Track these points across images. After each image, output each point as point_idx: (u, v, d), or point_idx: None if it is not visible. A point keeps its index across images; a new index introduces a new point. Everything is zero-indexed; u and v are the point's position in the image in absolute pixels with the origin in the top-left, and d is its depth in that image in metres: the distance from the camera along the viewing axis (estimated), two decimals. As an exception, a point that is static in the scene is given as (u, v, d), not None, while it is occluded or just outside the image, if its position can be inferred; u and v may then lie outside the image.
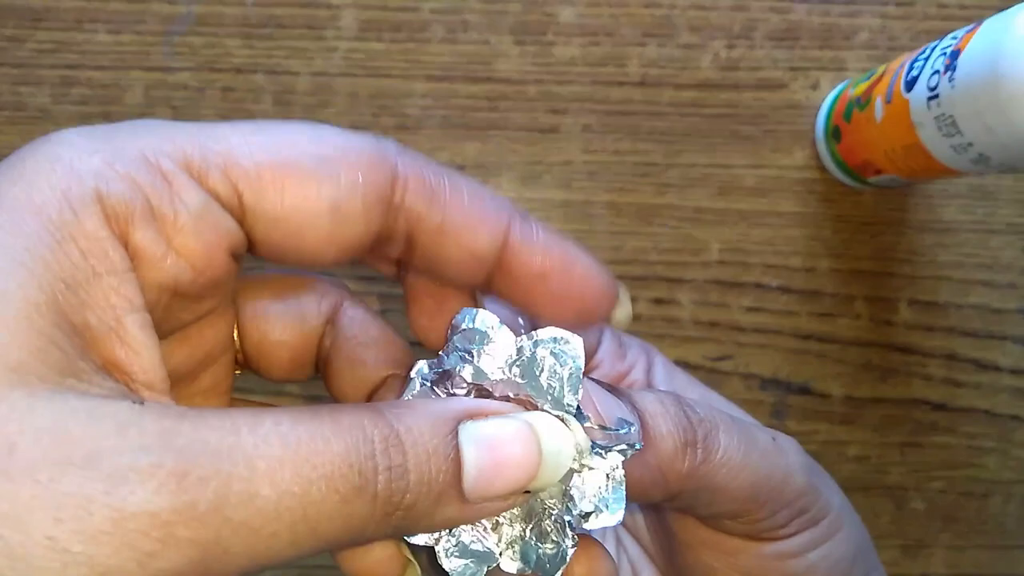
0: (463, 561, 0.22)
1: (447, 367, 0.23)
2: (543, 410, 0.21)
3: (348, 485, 0.17)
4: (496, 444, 0.20)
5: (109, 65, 0.45)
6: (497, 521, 0.22)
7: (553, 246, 0.22)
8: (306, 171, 0.20)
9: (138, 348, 0.18)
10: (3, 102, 0.45)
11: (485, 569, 0.22)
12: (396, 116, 0.45)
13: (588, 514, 0.21)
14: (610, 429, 0.22)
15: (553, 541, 0.22)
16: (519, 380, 0.22)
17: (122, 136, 0.19)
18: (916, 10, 0.46)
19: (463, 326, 0.22)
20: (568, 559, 0.21)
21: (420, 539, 0.22)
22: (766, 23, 0.46)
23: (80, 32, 0.45)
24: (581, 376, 0.22)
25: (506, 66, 0.46)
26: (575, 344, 0.22)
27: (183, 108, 0.45)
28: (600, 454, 0.21)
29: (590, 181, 0.46)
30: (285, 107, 0.45)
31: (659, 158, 0.46)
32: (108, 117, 0.45)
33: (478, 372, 0.22)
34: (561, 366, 0.21)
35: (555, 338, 0.22)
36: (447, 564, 0.21)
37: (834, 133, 0.43)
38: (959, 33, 0.34)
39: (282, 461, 0.17)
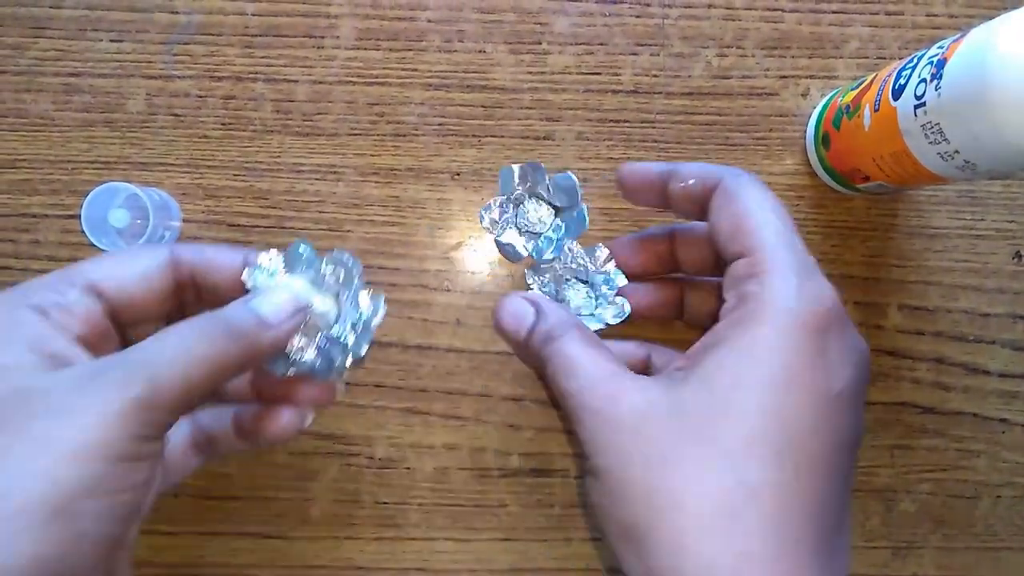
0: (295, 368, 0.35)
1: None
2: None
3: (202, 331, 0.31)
4: (267, 299, 0.33)
5: (111, 73, 0.46)
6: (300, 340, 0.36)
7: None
8: (122, 269, 0.34)
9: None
10: (6, 109, 0.46)
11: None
12: (393, 123, 0.46)
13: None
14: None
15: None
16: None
17: (35, 283, 0.32)
18: (905, 19, 0.47)
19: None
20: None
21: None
22: (757, 32, 0.47)
23: (82, 40, 0.46)
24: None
25: (501, 74, 0.46)
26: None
27: (184, 116, 0.46)
28: None
29: (584, 188, 0.46)
30: (284, 115, 0.46)
31: (652, 165, 0.46)
32: (111, 124, 0.46)
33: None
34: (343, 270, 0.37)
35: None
36: (293, 369, 0.36)
37: (824, 140, 0.44)
38: (946, 42, 0.35)
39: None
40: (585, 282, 0.44)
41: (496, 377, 0.46)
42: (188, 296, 0.36)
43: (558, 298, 0.44)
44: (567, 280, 0.44)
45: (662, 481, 0.30)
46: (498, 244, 0.44)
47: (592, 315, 0.43)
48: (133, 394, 0.28)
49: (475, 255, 0.46)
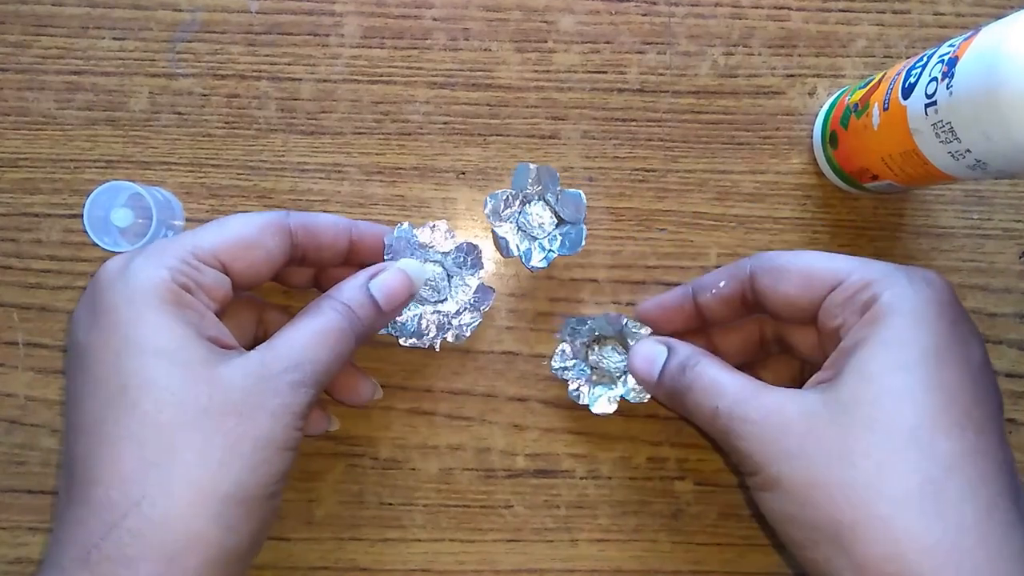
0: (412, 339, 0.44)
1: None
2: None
3: (340, 331, 0.36)
4: (385, 284, 0.39)
5: (114, 71, 0.46)
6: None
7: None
8: (246, 240, 0.37)
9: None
10: (8, 107, 0.45)
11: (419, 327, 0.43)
12: (398, 122, 0.46)
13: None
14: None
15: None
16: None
17: (164, 251, 0.35)
18: (912, 18, 0.47)
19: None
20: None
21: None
22: (764, 31, 0.47)
23: (85, 38, 0.46)
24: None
25: (507, 73, 0.46)
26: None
27: (188, 114, 0.46)
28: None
29: (589, 187, 0.46)
30: (288, 113, 0.46)
31: (658, 164, 0.46)
32: (113, 123, 0.45)
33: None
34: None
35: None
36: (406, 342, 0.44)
37: (831, 139, 0.44)
38: (957, 41, 0.35)
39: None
40: (623, 347, 0.44)
41: (501, 377, 0.46)
42: (295, 259, 0.40)
43: (588, 362, 0.45)
44: (605, 343, 0.44)
45: (853, 475, 0.30)
46: (494, 234, 0.44)
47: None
48: (304, 396, 0.34)
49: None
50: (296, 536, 0.45)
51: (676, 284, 0.45)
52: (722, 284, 0.39)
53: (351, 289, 0.38)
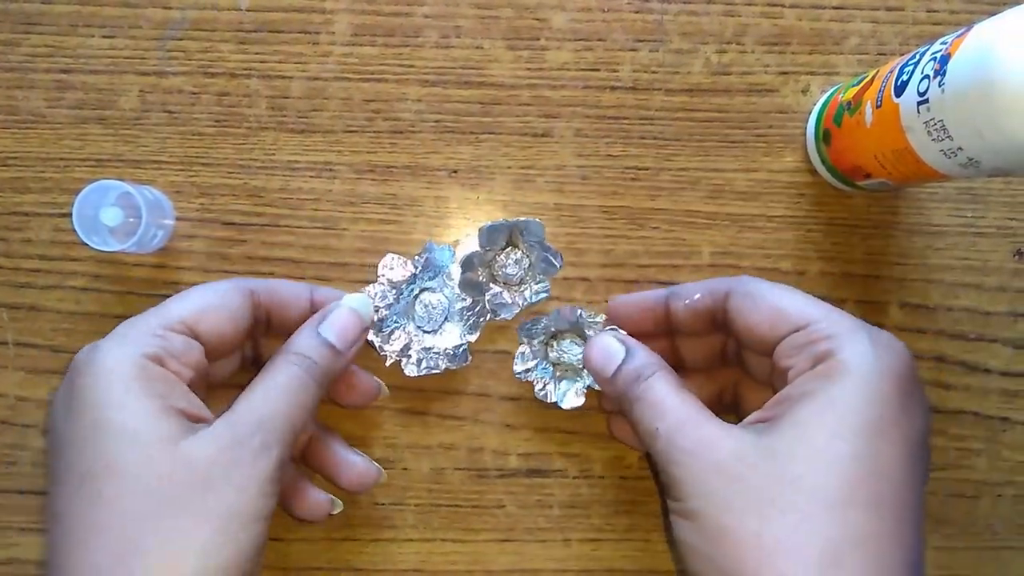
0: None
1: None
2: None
3: (299, 382, 0.36)
4: (336, 325, 0.39)
5: (103, 69, 0.45)
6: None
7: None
8: (210, 303, 0.38)
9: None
10: (-3, 106, 0.45)
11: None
12: (390, 120, 0.46)
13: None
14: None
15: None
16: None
17: (131, 327, 0.36)
18: (906, 15, 0.47)
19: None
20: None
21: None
22: (757, 28, 0.46)
23: (74, 36, 0.45)
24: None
25: (499, 71, 0.46)
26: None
27: (178, 113, 0.45)
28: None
29: (582, 185, 0.46)
30: (279, 112, 0.45)
31: (651, 162, 0.46)
32: (103, 121, 0.45)
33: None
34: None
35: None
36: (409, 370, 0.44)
37: (824, 137, 0.44)
38: (949, 38, 0.34)
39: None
40: (581, 338, 0.44)
41: (494, 376, 0.45)
42: (260, 320, 0.40)
43: (549, 359, 0.44)
44: (563, 337, 0.44)
45: (767, 528, 0.31)
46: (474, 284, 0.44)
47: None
48: (273, 458, 0.34)
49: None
50: (289, 536, 0.45)
51: (669, 283, 0.45)
52: (697, 296, 0.40)
53: (302, 338, 0.38)
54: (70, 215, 0.41)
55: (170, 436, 0.33)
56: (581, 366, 0.44)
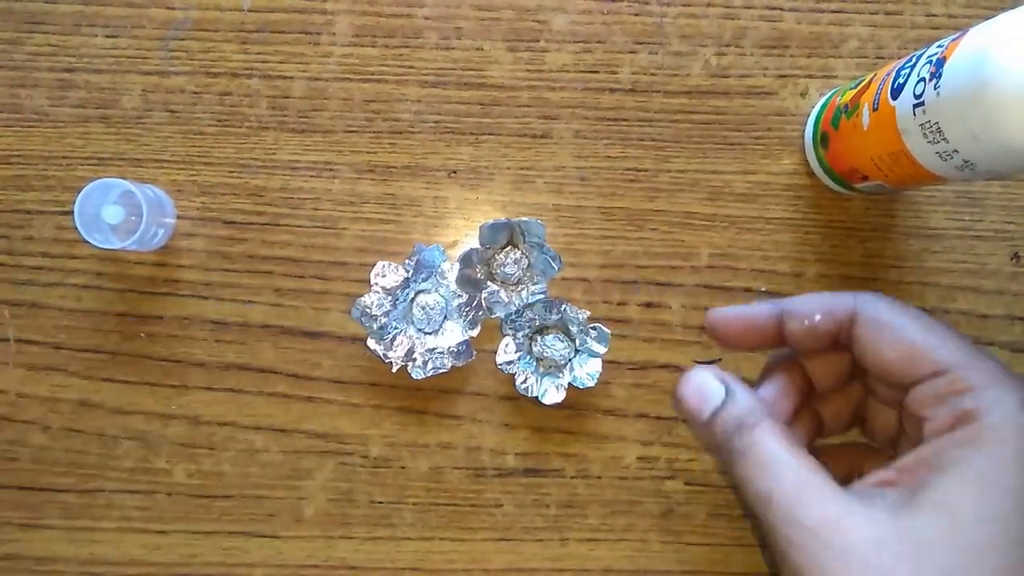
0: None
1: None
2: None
3: None
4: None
5: (106, 69, 0.46)
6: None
7: None
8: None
9: None
10: (1, 104, 0.46)
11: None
12: (389, 120, 0.46)
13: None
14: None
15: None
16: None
17: None
18: (904, 19, 0.47)
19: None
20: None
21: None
22: (756, 31, 0.47)
23: (77, 36, 0.46)
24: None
25: (499, 72, 0.46)
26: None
27: (180, 112, 0.46)
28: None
29: (581, 186, 0.46)
30: (280, 111, 0.46)
31: (649, 164, 0.46)
32: (106, 120, 0.45)
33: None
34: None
35: None
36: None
37: (822, 140, 0.44)
38: (944, 41, 0.34)
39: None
40: (566, 334, 0.45)
41: (492, 376, 0.46)
42: None
43: (532, 354, 0.45)
44: (547, 332, 0.45)
45: None
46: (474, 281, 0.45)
47: (573, 358, 0.44)
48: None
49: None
50: (286, 534, 0.45)
51: (667, 284, 0.45)
52: (817, 318, 0.35)
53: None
54: (72, 213, 0.42)
55: None
56: (563, 362, 0.44)
